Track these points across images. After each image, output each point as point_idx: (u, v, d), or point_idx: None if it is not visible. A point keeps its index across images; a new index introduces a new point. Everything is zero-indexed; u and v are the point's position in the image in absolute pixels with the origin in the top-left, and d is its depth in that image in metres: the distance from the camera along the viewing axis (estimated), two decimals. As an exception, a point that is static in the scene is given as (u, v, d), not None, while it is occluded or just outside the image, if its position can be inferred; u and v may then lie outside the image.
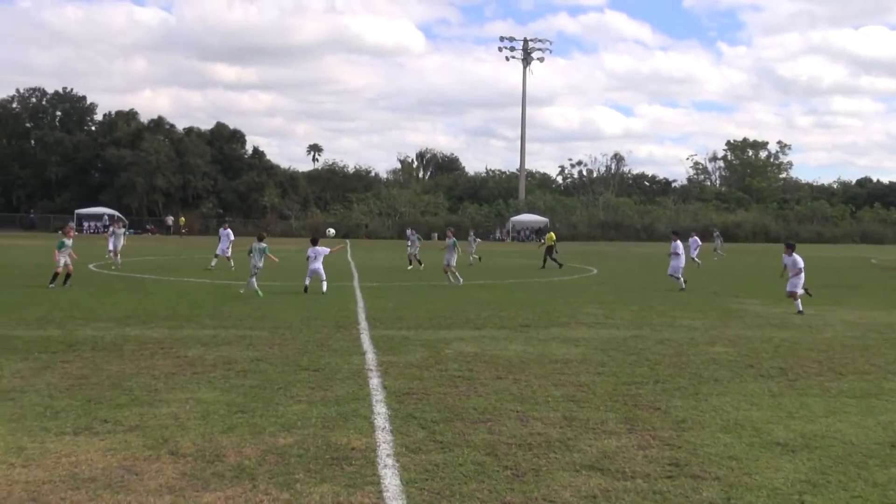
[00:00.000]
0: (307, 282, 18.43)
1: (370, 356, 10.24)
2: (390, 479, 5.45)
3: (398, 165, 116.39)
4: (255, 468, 5.62)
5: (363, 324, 13.43)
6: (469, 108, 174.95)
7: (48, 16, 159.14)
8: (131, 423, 6.75)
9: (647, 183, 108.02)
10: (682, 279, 21.37)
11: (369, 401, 7.72)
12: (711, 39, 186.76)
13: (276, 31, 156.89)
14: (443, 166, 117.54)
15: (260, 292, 17.47)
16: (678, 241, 21.92)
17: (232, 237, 28.04)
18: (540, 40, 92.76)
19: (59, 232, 20.19)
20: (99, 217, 72.87)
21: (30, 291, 17.81)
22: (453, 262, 22.11)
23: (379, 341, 11.49)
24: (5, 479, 5.28)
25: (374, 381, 8.63)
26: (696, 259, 33.03)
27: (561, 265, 30.40)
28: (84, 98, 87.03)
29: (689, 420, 7.17)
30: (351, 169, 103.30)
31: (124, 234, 29.12)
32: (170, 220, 74.82)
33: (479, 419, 7.11)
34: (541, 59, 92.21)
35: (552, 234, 33.75)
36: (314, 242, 18.93)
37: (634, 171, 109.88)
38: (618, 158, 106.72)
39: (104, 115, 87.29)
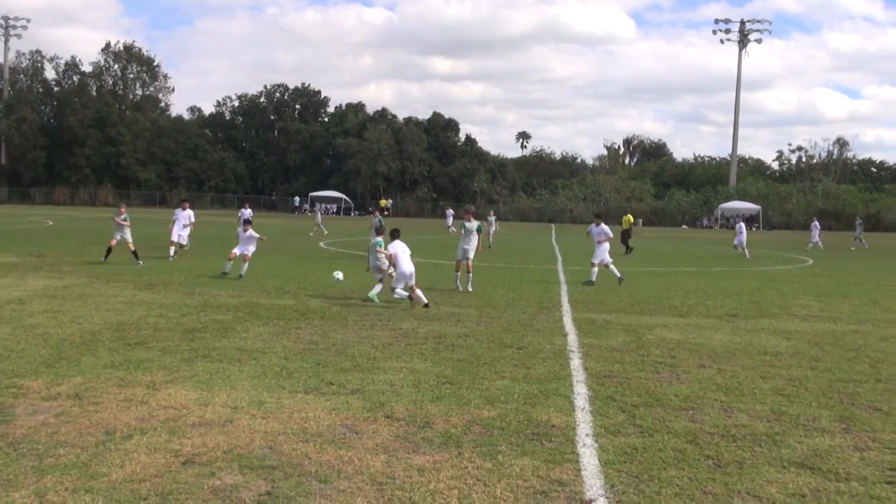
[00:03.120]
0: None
1: (572, 338, 10.36)
2: (589, 458, 5.55)
3: (604, 152, 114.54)
4: (460, 437, 5.98)
5: (566, 306, 13.55)
6: (679, 94, 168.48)
7: (291, 20, 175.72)
8: (353, 387, 7.42)
9: (874, 169, 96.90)
10: (595, 270, 17.62)
11: (570, 381, 7.86)
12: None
13: (488, 24, 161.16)
14: (650, 153, 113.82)
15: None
16: (602, 226, 18.00)
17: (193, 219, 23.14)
18: (758, 21, 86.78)
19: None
20: (331, 199, 79.28)
21: (270, 264, 19.76)
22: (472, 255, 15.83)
23: (581, 324, 11.57)
24: (248, 429, 6.06)
25: (576, 362, 8.76)
26: (739, 247, 29.73)
27: (630, 250, 28.19)
28: (319, 92, 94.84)
29: (917, 424, 6.56)
30: (557, 156, 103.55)
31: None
32: (389, 202, 79.39)
33: (680, 406, 7.01)
34: (758, 41, 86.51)
35: (629, 216, 31.07)
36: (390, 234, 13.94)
37: (860, 157, 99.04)
38: (841, 143, 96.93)
39: (335, 108, 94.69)
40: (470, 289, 15.19)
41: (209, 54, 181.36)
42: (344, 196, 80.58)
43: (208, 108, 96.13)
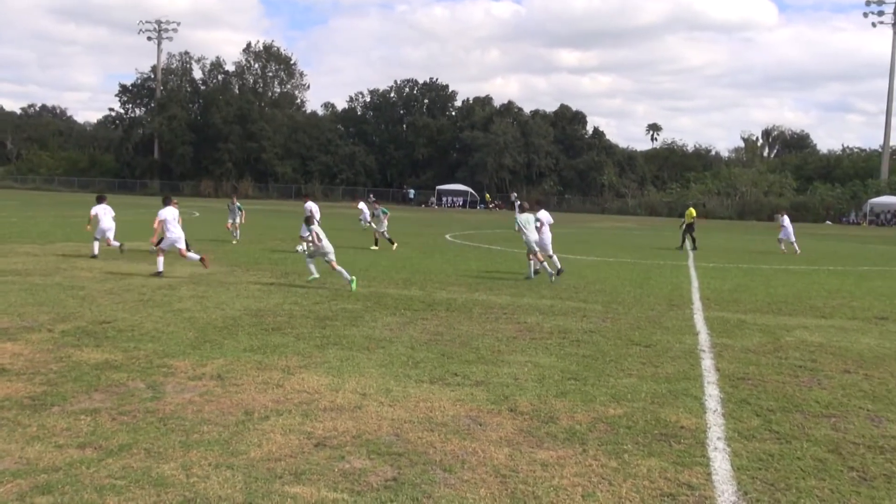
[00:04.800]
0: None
1: (703, 337, 9.99)
2: (720, 462, 5.36)
3: (741, 144, 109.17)
4: (585, 433, 5.90)
5: (697, 304, 13.08)
6: (822, 82, 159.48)
7: (419, 16, 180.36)
8: (477, 379, 7.48)
9: None
10: (532, 264, 16.06)
11: (701, 381, 7.59)
12: None
13: (617, 14, 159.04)
14: (791, 144, 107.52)
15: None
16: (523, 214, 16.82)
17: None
18: (916, 2, 79.64)
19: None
20: (456, 193, 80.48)
21: (398, 257, 20.28)
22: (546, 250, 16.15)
23: (713, 322, 11.13)
24: (376, 415, 6.23)
25: (707, 363, 8.44)
26: (783, 242, 27.04)
27: (695, 248, 26.77)
28: (447, 87, 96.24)
29: None
30: (690, 148, 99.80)
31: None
32: (514, 196, 79.44)
33: (821, 413, 6.61)
34: (916, 23, 79.25)
35: (692, 210, 28.84)
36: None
37: None
38: None
39: (462, 102, 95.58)
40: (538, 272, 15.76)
41: (342, 52, 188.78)
42: (470, 189, 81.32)
43: (341, 104, 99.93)
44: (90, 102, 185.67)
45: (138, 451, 5.26)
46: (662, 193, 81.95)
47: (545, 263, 15.73)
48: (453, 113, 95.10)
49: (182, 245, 15.43)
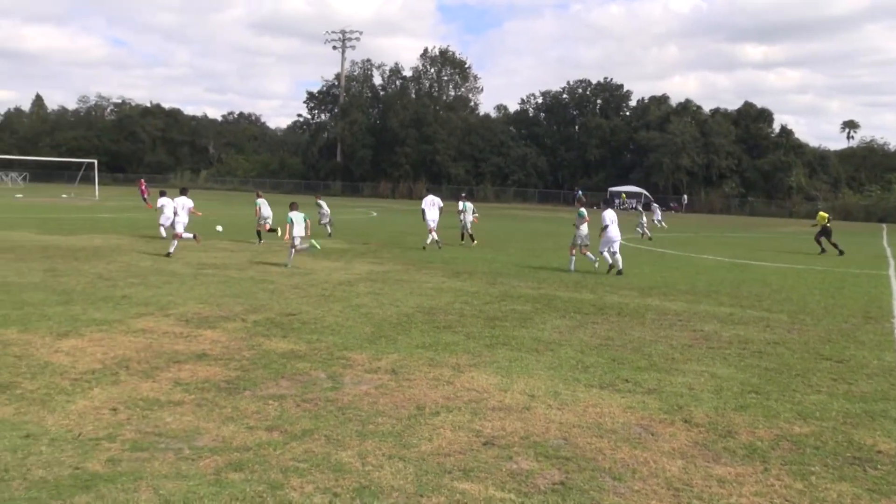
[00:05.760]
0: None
1: (908, 355, 9.08)
2: (925, 494, 4.86)
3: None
4: (767, 451, 5.57)
5: (901, 318, 11.90)
6: None
7: (594, 15, 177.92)
8: (649, 387, 7.26)
9: None
10: (596, 258, 17.33)
11: (903, 403, 6.91)
12: None
13: (808, 5, 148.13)
14: None
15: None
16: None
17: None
18: None
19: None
20: (630, 195, 78.58)
21: (567, 259, 20.03)
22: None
23: (920, 340, 10.08)
24: (544, 418, 6.22)
25: (911, 384, 7.67)
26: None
27: (823, 251, 24.71)
28: (621, 86, 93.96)
29: None
30: (893, 146, 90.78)
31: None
32: (684, 198, 76.33)
33: None
34: None
35: (823, 213, 25.58)
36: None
37: None
38: None
39: (637, 101, 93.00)
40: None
41: (516, 54, 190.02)
42: (644, 191, 78.95)
43: (513, 106, 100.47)
44: (281, 109, 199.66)
45: (319, 437, 5.58)
46: (859, 196, 75.18)
47: (590, 254, 17.31)
48: (627, 113, 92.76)
49: (181, 229, 18.54)
